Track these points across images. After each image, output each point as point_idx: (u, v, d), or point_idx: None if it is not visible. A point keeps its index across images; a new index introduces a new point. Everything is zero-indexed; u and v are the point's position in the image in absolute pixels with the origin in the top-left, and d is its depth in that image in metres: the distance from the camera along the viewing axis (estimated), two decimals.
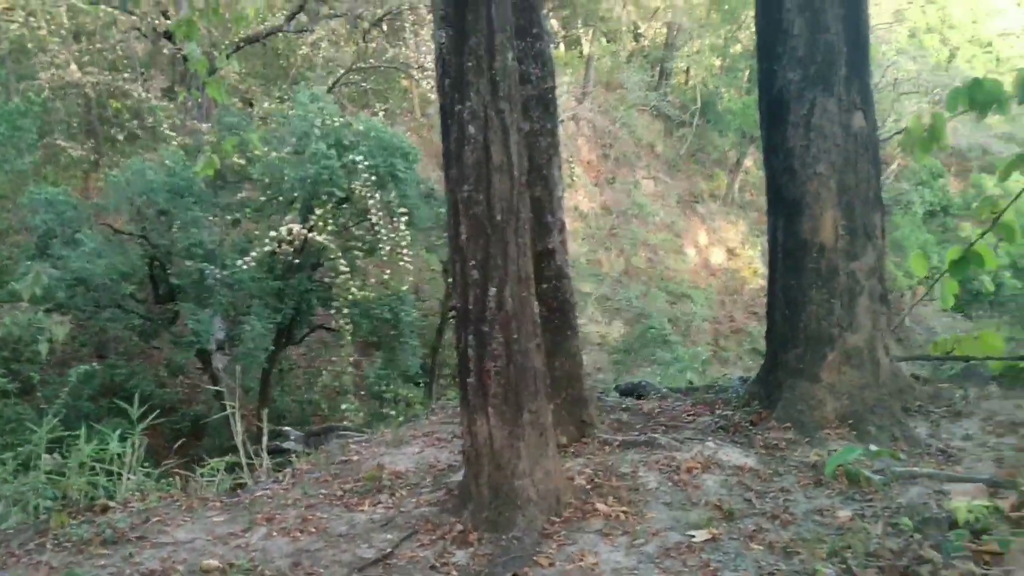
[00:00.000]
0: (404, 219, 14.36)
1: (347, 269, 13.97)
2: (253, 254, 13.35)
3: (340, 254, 13.99)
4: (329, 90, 18.92)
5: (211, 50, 17.40)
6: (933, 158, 30.70)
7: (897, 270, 27.82)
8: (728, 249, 31.83)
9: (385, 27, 22.29)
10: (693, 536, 4.21)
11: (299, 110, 14.65)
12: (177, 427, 14.45)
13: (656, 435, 5.54)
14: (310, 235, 13.72)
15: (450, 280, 18.79)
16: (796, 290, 5.75)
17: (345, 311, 14.16)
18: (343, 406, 14.57)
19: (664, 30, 35.34)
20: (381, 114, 19.32)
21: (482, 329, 4.22)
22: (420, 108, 25.22)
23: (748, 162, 34.28)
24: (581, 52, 33.60)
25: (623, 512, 4.48)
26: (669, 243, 30.51)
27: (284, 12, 19.07)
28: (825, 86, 5.61)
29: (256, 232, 15.09)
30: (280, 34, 18.98)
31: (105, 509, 5.27)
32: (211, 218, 14.50)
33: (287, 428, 8.31)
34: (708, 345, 27.34)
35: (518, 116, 4.25)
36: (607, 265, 28.04)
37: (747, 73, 34.21)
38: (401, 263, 14.68)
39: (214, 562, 4.33)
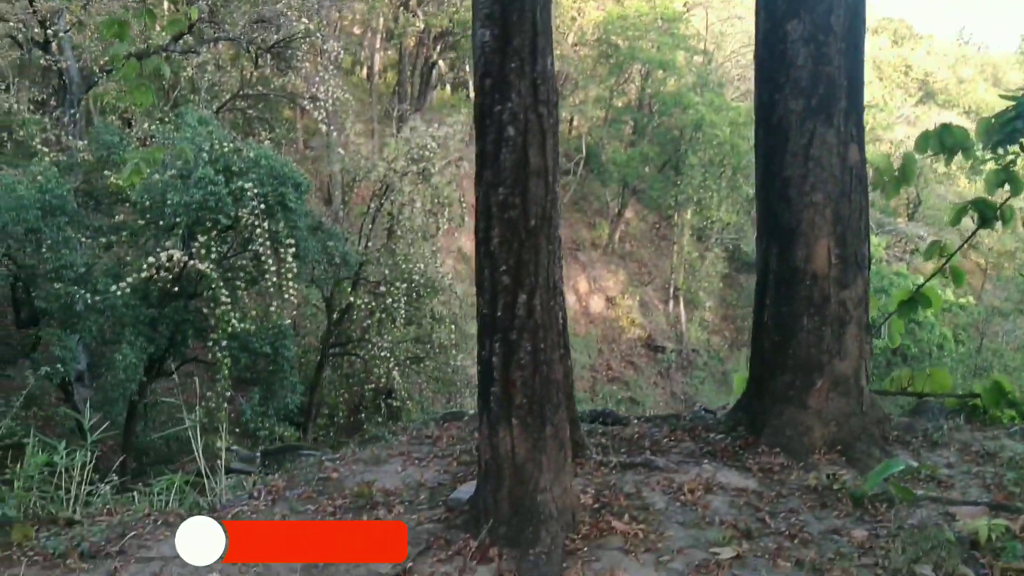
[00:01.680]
0: (292, 250, 13.68)
1: (228, 299, 13.11)
2: (129, 279, 12.37)
3: (221, 284, 13.12)
4: (214, 115, 18.04)
5: (91, 66, 16.39)
6: None
7: None
8: (608, 298, 32.11)
9: (273, 55, 21.55)
10: (718, 554, 4.05)
11: (187, 132, 13.79)
12: None
13: (653, 457, 5.40)
14: (190, 263, 12.81)
15: (344, 315, 17.93)
16: (787, 317, 5.71)
17: (223, 343, 13.26)
18: (217, 444, 13.59)
19: None
20: (267, 143, 18.53)
21: (510, 337, 4.08)
22: (304, 140, 24.47)
23: (629, 213, 34.84)
24: (468, 95, 33.59)
25: (640, 530, 4.31)
26: None
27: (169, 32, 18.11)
28: (826, 117, 5.61)
29: (127, 257, 14.05)
30: (163, 54, 17.97)
31: (71, 523, 4.89)
32: (84, 240, 13.40)
33: (234, 448, 7.71)
34: (586, 393, 27.31)
35: (555, 121, 4.17)
36: None
37: (629, 126, 34.94)
38: (286, 296, 13.95)
39: None
